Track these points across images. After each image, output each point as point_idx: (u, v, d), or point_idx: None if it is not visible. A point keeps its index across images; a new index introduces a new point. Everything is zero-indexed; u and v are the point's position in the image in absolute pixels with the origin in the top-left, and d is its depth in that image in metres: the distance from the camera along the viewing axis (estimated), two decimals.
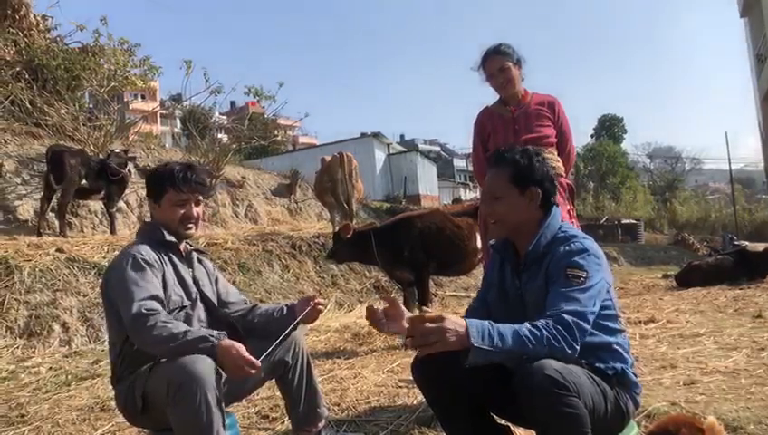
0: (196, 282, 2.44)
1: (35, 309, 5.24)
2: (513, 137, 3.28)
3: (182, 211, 2.38)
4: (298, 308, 2.48)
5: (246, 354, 2.05)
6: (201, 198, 2.46)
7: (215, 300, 2.50)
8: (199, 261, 2.56)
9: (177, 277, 2.37)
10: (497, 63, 3.33)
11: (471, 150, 3.80)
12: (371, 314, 2.09)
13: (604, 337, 1.96)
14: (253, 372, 2.06)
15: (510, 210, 2.06)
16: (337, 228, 5.92)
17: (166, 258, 2.36)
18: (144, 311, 2.08)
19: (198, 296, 2.42)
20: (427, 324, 1.66)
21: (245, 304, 2.63)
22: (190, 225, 2.42)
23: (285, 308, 2.52)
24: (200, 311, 2.40)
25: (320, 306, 2.48)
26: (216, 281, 2.59)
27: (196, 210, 2.43)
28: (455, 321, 1.68)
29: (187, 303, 2.35)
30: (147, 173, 2.60)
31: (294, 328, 2.45)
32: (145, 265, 2.23)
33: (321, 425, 2.55)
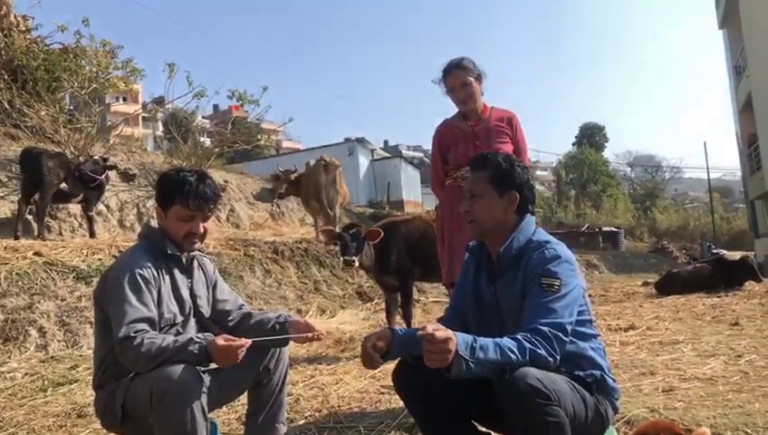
0: (192, 295, 2.39)
1: (11, 313, 5.15)
2: (473, 151, 3.22)
3: (188, 227, 2.30)
4: (293, 327, 2.39)
5: (234, 338, 2.06)
6: (209, 213, 2.37)
7: (208, 312, 2.45)
8: (200, 266, 2.49)
9: (173, 291, 2.31)
10: (459, 78, 3.32)
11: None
12: (367, 358, 1.96)
13: (580, 344, 1.98)
14: (242, 352, 2.04)
15: (486, 210, 2.09)
16: (358, 230, 5.03)
17: (165, 270, 2.30)
18: (132, 334, 2.05)
19: (192, 311, 2.37)
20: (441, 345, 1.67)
21: (240, 309, 2.56)
22: (195, 240, 2.35)
23: (278, 326, 2.42)
24: (191, 328, 2.36)
25: (321, 337, 2.38)
26: (215, 286, 2.52)
27: (203, 226, 2.34)
28: (450, 335, 1.69)
29: (179, 320, 2.30)
30: (159, 176, 2.45)
31: (285, 343, 2.42)
32: (142, 284, 2.17)
33: None
